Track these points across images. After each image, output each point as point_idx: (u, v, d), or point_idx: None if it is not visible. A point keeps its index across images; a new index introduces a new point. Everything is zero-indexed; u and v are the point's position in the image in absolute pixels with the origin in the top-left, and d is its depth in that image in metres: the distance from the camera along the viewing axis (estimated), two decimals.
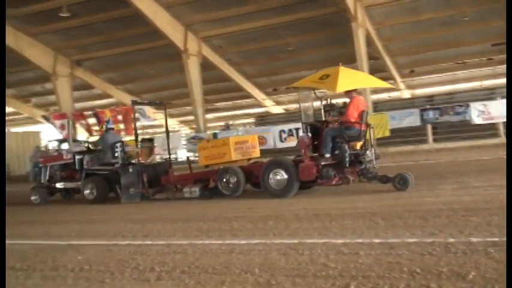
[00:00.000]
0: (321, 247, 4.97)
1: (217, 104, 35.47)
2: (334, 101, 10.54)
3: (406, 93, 30.45)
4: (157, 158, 16.85)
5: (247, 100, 34.23)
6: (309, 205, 7.89)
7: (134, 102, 13.33)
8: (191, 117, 30.04)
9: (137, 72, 31.75)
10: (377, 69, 25.77)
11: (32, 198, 12.82)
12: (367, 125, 9.36)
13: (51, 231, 7.72)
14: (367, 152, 9.22)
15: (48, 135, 30.21)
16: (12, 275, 5.08)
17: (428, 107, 20.46)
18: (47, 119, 30.66)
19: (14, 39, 26.22)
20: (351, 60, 23.86)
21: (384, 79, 28.24)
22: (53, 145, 19.18)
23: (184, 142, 25.81)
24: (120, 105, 30.02)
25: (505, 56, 19.88)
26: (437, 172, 11.06)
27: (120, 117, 26.01)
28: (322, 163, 9.09)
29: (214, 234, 6.23)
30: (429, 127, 19.96)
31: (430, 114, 19.62)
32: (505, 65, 18.95)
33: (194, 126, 28.36)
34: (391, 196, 8.09)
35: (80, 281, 4.62)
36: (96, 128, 26.19)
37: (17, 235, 7.63)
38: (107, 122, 13.47)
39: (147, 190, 11.29)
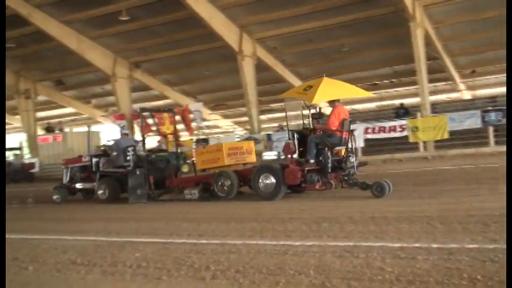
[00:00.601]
0: (377, 250, 4.89)
1: (272, 105, 35.52)
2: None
3: (466, 94, 29.56)
4: None
5: (301, 101, 34.04)
6: (364, 208, 7.78)
7: (142, 110, 14.44)
8: (245, 118, 30.22)
9: (193, 74, 32.20)
10: (436, 70, 25.17)
11: (54, 197, 13.62)
12: (349, 133, 9.83)
13: (110, 228, 7.91)
14: (350, 158, 9.65)
15: (107, 135, 31.11)
16: (74, 269, 5.24)
17: (490, 108, 19.79)
18: (107, 118, 31.59)
19: (76, 42, 27.16)
20: (408, 61, 23.46)
21: (443, 80, 27.84)
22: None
23: None
24: (177, 106, 30.49)
25: None
26: (500, 176, 10.65)
27: (177, 117, 26.40)
28: (307, 168, 9.65)
29: (269, 234, 6.24)
30: (491, 129, 19.30)
31: (492, 116, 18.98)
32: None
33: (248, 127, 28.50)
34: (449, 200, 7.89)
35: (137, 278, 4.72)
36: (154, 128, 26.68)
37: (78, 231, 7.89)
38: (122, 127, 14.11)
39: (153, 191, 12.00)
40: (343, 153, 9.76)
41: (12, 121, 43.31)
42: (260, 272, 4.51)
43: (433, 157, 19.00)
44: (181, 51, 28.11)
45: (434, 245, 4.93)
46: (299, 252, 5.13)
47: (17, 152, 30.98)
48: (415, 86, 23.67)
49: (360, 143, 21.24)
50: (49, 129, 33.60)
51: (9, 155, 30.95)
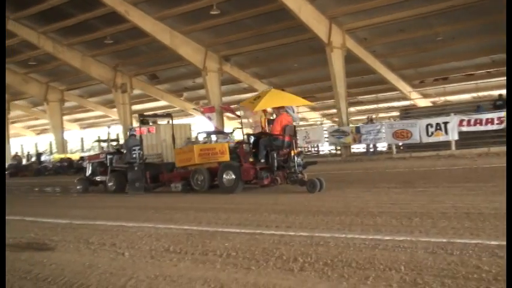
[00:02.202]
0: (473, 248, 4.69)
1: (360, 97, 34.93)
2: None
3: None
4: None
5: (391, 93, 33.24)
6: (458, 203, 7.49)
7: (141, 115, 16.91)
8: (334, 111, 29.95)
9: (281, 66, 32.33)
10: None
11: (77, 187, 16.04)
12: (291, 137, 11.41)
13: (201, 218, 8.12)
14: (295, 159, 11.17)
15: (198, 127, 31.93)
16: (167, 256, 5.44)
17: None
18: (197, 110, 32.39)
19: (169, 37, 28.09)
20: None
21: None
22: (202, 136, 20.38)
23: (326, 135, 25.78)
24: None
25: None
26: None
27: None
28: (258, 167, 11.46)
29: (357, 228, 6.15)
30: None
31: None
32: None
33: (336, 119, 28.20)
34: None
35: (227, 267, 4.81)
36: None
37: (171, 220, 8.18)
38: (130, 129, 16.39)
39: (149, 184, 14.17)
40: (293, 154, 11.29)
41: (110, 114, 45.64)
42: (349, 266, 4.47)
43: None
44: (270, 44, 28.27)
45: None
46: (389, 247, 5.02)
47: (114, 143, 32.51)
48: None
49: (454, 136, 20.51)
50: (143, 122, 34.97)
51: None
